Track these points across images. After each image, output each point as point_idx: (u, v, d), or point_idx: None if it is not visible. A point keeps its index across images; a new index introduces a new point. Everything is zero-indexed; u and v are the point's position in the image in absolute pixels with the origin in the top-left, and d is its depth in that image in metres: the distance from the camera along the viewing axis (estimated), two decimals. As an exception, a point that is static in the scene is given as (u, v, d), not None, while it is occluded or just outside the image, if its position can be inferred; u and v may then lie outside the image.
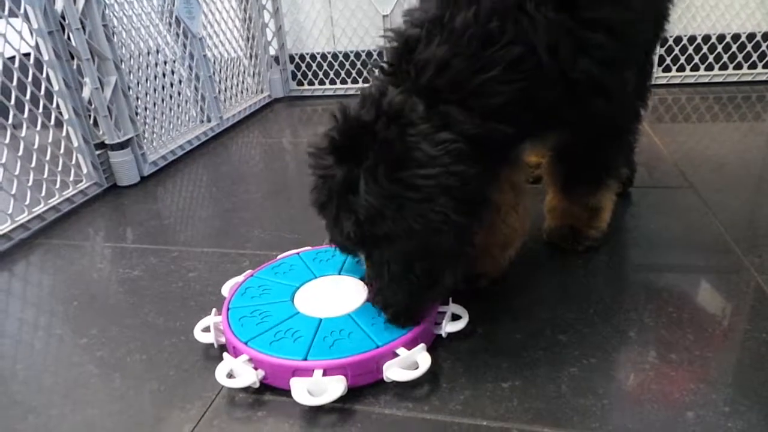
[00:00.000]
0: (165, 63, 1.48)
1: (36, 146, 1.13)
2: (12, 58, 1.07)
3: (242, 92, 1.85)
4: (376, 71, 0.68)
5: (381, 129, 0.60)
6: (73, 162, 1.22)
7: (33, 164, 1.12)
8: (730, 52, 1.74)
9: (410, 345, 0.65)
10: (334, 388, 0.60)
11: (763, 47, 1.71)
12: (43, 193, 1.14)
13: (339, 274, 0.80)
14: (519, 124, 0.63)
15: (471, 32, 0.59)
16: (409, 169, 0.58)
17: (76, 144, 1.21)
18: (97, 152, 1.25)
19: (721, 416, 0.56)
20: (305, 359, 0.62)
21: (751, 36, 1.71)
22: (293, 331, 0.67)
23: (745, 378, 0.61)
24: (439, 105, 0.61)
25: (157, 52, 1.45)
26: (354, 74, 2.01)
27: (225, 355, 0.66)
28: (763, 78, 1.73)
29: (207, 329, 0.72)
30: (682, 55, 1.76)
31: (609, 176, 0.85)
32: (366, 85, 1.99)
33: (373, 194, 0.59)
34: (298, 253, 0.86)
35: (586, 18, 0.62)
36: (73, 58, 1.17)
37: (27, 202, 1.10)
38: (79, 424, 0.62)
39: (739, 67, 1.75)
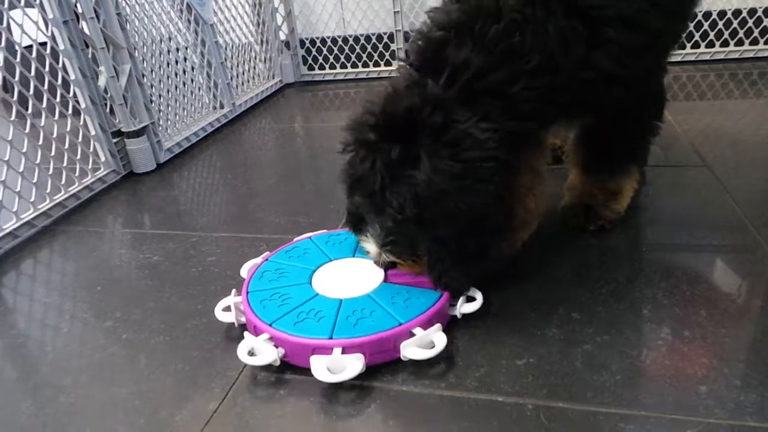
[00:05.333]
0: (177, 50, 1.49)
1: (55, 135, 1.15)
2: (29, 48, 1.09)
3: (254, 78, 1.86)
4: (402, 65, 0.71)
5: (428, 115, 0.63)
6: (91, 150, 1.24)
7: (52, 153, 1.14)
8: (746, 28, 1.71)
9: (427, 325, 0.66)
10: (352, 365, 0.62)
11: (781, 22, 1.68)
12: (63, 181, 1.16)
13: (353, 256, 0.81)
14: (542, 118, 0.68)
15: (501, 47, 0.64)
16: (468, 151, 0.62)
17: (93, 132, 1.23)
18: (114, 140, 1.27)
19: (733, 390, 0.57)
20: (331, 338, 0.64)
21: (766, 10, 1.67)
22: (315, 312, 0.69)
23: (758, 353, 0.62)
24: (476, 103, 0.65)
25: (170, 39, 1.46)
26: (365, 58, 2.01)
27: (246, 334, 0.68)
28: (780, 53, 1.71)
29: (227, 309, 0.74)
30: (697, 31, 1.74)
31: (630, 160, 0.87)
32: (382, 70, 1.97)
33: (438, 172, 0.61)
34: (310, 237, 0.87)
35: (595, 17, 0.65)
36: (87, 47, 1.18)
37: (48, 190, 1.13)
38: (107, 403, 0.65)
39: (755, 42, 1.72)
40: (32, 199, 1.09)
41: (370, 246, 0.72)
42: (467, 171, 0.62)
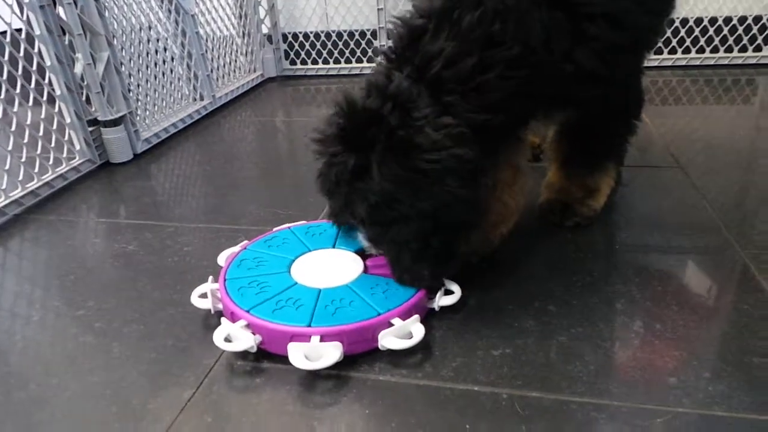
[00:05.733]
0: (158, 40, 1.47)
1: (29, 122, 1.13)
2: (3, 33, 1.06)
3: (235, 71, 1.84)
4: (380, 57, 0.71)
5: (387, 114, 0.63)
6: (66, 138, 1.22)
7: (26, 140, 1.12)
8: (721, 35, 1.75)
9: (405, 316, 0.66)
10: (330, 353, 0.62)
11: (754, 30, 1.72)
12: (37, 170, 1.13)
13: (333, 247, 0.81)
14: (518, 111, 0.68)
15: (477, 33, 0.63)
16: (417, 155, 0.62)
17: (68, 120, 1.20)
18: (90, 129, 1.24)
19: (702, 381, 0.59)
20: (309, 326, 0.64)
21: (742, 19, 1.72)
22: (294, 300, 0.68)
23: (727, 346, 0.63)
24: (442, 95, 0.64)
25: (150, 28, 1.43)
26: (347, 54, 2.01)
27: (223, 320, 0.68)
28: (753, 61, 1.75)
29: (204, 296, 0.74)
30: (674, 37, 1.77)
31: (608, 158, 0.88)
32: (365, 66, 1.97)
33: (387, 180, 0.62)
34: (289, 228, 0.87)
35: (581, 12, 0.65)
36: (64, 33, 1.16)
37: (20, 178, 1.10)
38: (79, 392, 0.63)
39: (729, 50, 1.76)
40: (3, 187, 1.06)
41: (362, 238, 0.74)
42: (417, 175, 0.62)
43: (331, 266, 0.76)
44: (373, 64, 1.96)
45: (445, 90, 0.64)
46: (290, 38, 2.02)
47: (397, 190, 0.63)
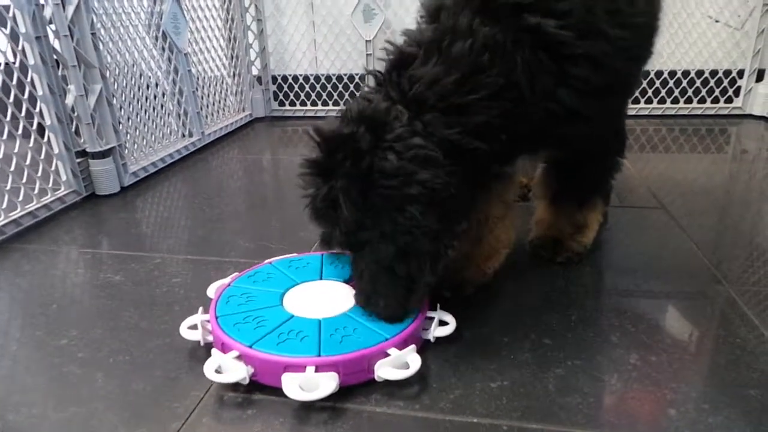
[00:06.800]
0: (150, 76, 1.48)
1: (16, 151, 1.11)
2: (-3, 61, 1.07)
3: (224, 109, 1.86)
4: (369, 82, 0.72)
5: (359, 138, 0.64)
6: (53, 168, 1.20)
7: (12, 168, 1.10)
8: (694, 87, 1.84)
9: (401, 346, 0.66)
10: (326, 384, 0.60)
11: (725, 83, 1.81)
12: (21, 198, 1.11)
13: (320, 278, 0.80)
14: (500, 143, 0.67)
15: (466, 60, 0.65)
16: (378, 182, 0.63)
17: (56, 151, 1.19)
18: (78, 160, 1.23)
19: (701, 412, 0.58)
20: (319, 355, 0.62)
21: (713, 72, 1.81)
22: (296, 332, 0.67)
23: (722, 378, 0.64)
24: (422, 113, 0.65)
25: (143, 64, 1.45)
26: (335, 96, 2.05)
27: (213, 351, 0.66)
28: (725, 112, 1.83)
29: (193, 327, 0.72)
30: (650, 88, 1.85)
31: (596, 195, 0.90)
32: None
33: (349, 210, 0.63)
34: (270, 263, 0.86)
35: (564, 53, 0.67)
36: (59, 65, 1.16)
37: (4, 206, 1.08)
38: (61, 422, 0.60)
39: (702, 101, 1.85)
40: (-14, 215, 1.04)
41: None
42: (379, 201, 0.63)
43: (324, 296, 0.76)
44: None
45: (425, 108, 0.64)
46: (279, 80, 2.06)
47: (360, 217, 0.64)
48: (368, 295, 0.69)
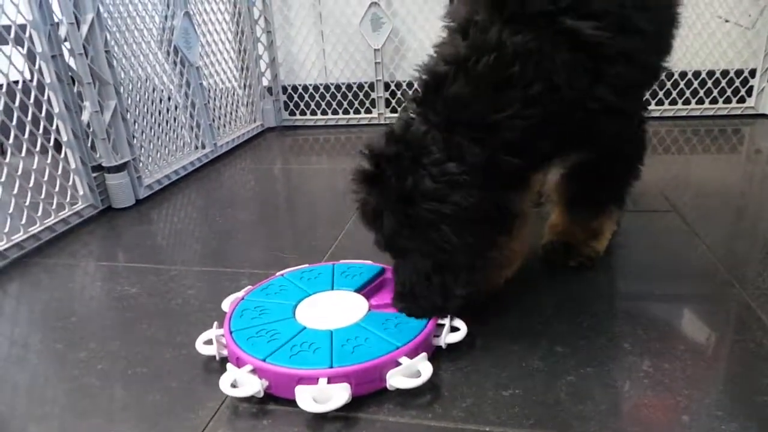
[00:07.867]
0: (162, 90, 1.51)
1: (34, 167, 1.14)
2: (16, 82, 1.09)
3: (236, 121, 1.89)
4: (410, 102, 0.75)
5: (401, 160, 0.69)
6: (70, 183, 1.23)
7: (31, 184, 1.13)
8: (705, 88, 1.82)
9: (412, 354, 0.66)
10: (338, 395, 0.61)
11: (737, 83, 1.80)
12: (39, 213, 1.14)
13: (332, 289, 0.81)
14: (536, 154, 0.71)
15: (492, 76, 0.67)
16: (416, 203, 0.68)
17: (73, 166, 1.22)
18: (94, 175, 1.26)
19: (715, 419, 0.58)
20: (331, 366, 0.63)
21: (724, 73, 1.80)
22: (309, 344, 0.68)
23: (736, 384, 0.63)
24: (454, 137, 0.68)
25: (155, 79, 1.48)
26: (345, 105, 2.06)
27: (229, 365, 0.67)
28: (738, 112, 1.82)
29: (209, 342, 0.73)
30: (661, 90, 1.84)
31: (612, 202, 0.90)
32: (362, 117, 2.03)
33: (391, 222, 0.71)
34: (282, 275, 0.87)
35: (602, 53, 0.68)
36: (74, 82, 1.19)
37: (23, 222, 1.10)
38: (81, 434, 0.62)
39: (714, 101, 1.83)
40: (6, 230, 1.06)
41: None
42: (416, 219, 0.68)
43: (336, 307, 0.76)
44: (371, 115, 2.04)
45: (457, 132, 0.67)
46: (290, 90, 2.08)
47: (399, 230, 0.70)
48: (406, 299, 0.74)
